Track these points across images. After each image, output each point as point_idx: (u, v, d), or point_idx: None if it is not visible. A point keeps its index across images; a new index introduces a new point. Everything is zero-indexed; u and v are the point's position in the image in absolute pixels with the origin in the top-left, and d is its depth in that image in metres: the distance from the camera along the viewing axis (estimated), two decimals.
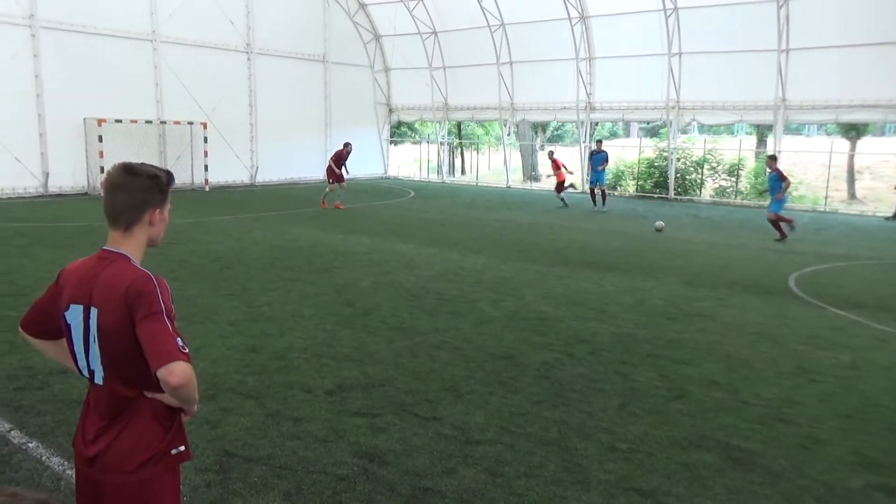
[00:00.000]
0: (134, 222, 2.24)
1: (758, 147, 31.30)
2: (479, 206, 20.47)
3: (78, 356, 2.24)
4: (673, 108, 23.32)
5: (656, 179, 25.58)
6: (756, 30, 20.86)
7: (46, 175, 19.65)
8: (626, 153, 29.09)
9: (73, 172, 20.15)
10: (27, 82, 19.02)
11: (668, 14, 22.29)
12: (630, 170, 27.19)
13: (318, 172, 27.90)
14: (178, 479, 2.32)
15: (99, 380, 2.21)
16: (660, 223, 15.77)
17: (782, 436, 4.80)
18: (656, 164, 25.91)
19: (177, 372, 2.02)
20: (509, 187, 28.42)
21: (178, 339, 2.09)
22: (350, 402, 5.20)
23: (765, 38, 20.72)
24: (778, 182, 14.55)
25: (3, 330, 6.66)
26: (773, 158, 15.12)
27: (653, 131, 35.60)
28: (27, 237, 12.46)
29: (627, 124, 40.92)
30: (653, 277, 10.37)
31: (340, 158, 18.43)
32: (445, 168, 32.68)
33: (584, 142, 25.81)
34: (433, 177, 31.55)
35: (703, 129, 32.67)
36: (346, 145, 18.70)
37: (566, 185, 21.10)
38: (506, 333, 7.17)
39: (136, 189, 2.22)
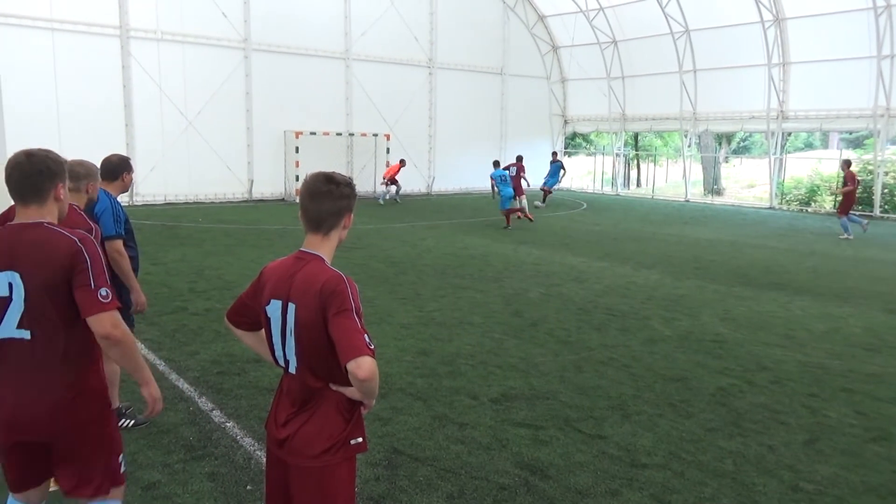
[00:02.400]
0: (333, 227, 2.46)
1: None
2: (653, 220, 19.72)
3: (275, 347, 2.48)
4: (882, 116, 20.97)
5: (858, 195, 23.07)
6: None
7: (251, 182, 21.84)
8: (822, 166, 26.55)
9: (272, 180, 22.25)
10: (239, 99, 21.34)
11: (878, 12, 20.10)
12: (827, 184, 24.78)
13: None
14: (354, 469, 2.49)
15: (293, 369, 2.43)
16: (538, 203, 16.45)
17: None
18: (859, 178, 23.38)
19: (364, 366, 2.18)
20: (688, 201, 27.07)
21: (366, 335, 2.26)
22: (514, 411, 5.24)
23: None
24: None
25: (212, 320, 7.50)
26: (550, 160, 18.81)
27: (856, 142, 32.21)
28: (233, 238, 13.92)
29: (825, 134, 37.32)
30: (850, 303, 9.38)
31: (521, 170, 18.62)
32: (620, 180, 31.84)
33: (775, 154, 23.96)
34: (607, 189, 30.86)
35: None
36: (520, 158, 19.19)
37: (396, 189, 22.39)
38: (678, 354, 6.85)
39: (339, 196, 2.44)
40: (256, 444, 4.52)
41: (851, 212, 17.32)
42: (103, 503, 2.78)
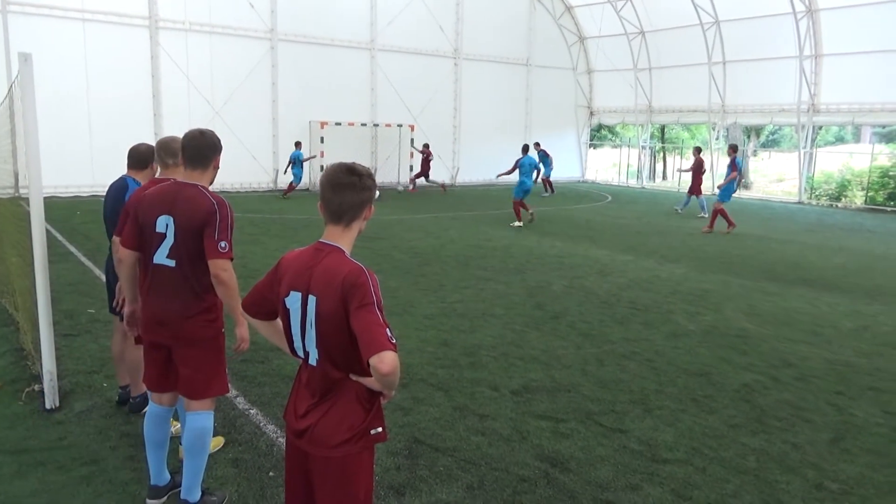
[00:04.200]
0: (354, 218, 2.47)
1: None
2: (679, 214, 19.50)
3: (295, 338, 2.48)
4: None
5: (891, 190, 22.66)
6: None
7: (276, 172, 22.00)
8: (854, 161, 26.03)
9: None
10: (265, 89, 21.48)
11: None
12: (858, 179, 24.30)
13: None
14: (373, 458, 2.51)
15: (313, 361, 2.44)
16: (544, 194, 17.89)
17: None
18: (892, 173, 22.92)
19: (387, 360, 2.18)
20: (715, 194, 26.67)
21: (388, 329, 2.25)
22: (535, 404, 5.24)
23: None
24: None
25: None
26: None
27: (889, 136, 31.53)
28: (257, 227, 14.05)
29: (857, 128, 36.63)
30: (880, 301, 9.22)
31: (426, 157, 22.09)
32: (645, 173, 31.48)
33: (805, 147, 23.55)
34: (632, 181, 30.56)
35: None
36: (426, 146, 22.21)
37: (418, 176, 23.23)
38: (702, 349, 6.79)
39: (362, 188, 2.45)
40: (279, 431, 4.58)
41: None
42: (202, 413, 3.53)
